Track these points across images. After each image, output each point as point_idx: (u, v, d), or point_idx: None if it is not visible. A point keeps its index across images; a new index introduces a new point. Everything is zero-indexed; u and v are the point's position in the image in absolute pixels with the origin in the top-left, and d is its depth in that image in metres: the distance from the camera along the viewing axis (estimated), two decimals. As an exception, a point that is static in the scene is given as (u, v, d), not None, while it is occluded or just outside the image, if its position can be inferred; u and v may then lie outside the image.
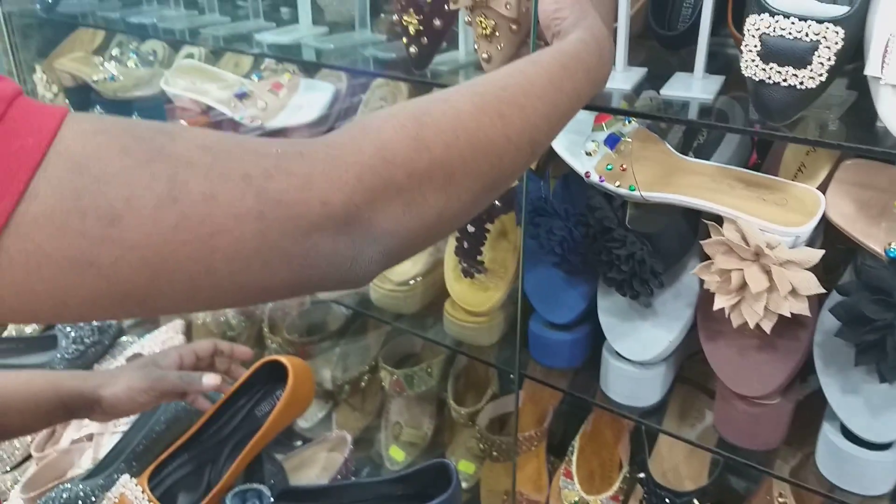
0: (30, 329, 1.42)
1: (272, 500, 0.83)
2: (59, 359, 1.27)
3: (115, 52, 1.46)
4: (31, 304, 0.31)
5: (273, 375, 0.95)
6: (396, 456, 1.21)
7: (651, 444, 0.98)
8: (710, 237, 0.71)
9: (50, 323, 0.64)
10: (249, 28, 1.20)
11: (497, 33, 0.70)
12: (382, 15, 1.15)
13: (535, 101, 0.48)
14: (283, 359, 0.91)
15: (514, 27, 0.69)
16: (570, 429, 1.08)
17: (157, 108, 1.39)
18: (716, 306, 0.70)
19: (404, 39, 0.88)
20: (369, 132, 0.41)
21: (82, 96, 1.50)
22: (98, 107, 1.46)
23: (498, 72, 0.50)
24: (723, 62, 0.89)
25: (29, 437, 1.13)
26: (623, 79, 0.83)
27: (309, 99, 1.17)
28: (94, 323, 1.35)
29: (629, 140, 0.78)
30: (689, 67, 0.83)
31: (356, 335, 1.30)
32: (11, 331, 1.41)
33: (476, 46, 0.76)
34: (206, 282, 0.34)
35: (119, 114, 1.42)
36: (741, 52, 0.87)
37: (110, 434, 1.05)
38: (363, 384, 1.26)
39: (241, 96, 1.18)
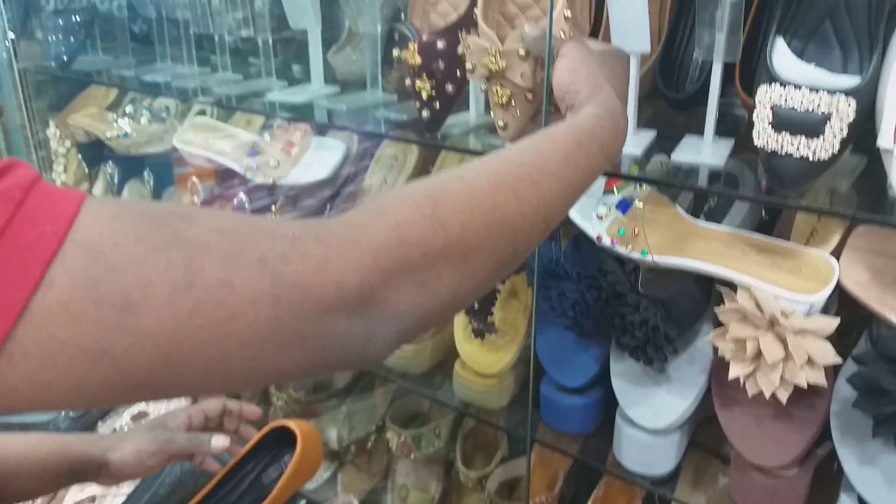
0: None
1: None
2: (63, 416, 1.26)
3: (128, 109, 1.48)
4: (44, 393, 0.31)
5: (281, 440, 0.93)
6: (402, 519, 1.19)
7: (664, 510, 0.96)
8: (724, 303, 0.71)
9: (64, 410, 0.65)
10: (262, 86, 1.21)
11: (513, 102, 0.70)
12: (393, 70, 1.16)
13: (550, 177, 0.48)
14: (293, 424, 0.90)
15: (529, 96, 0.70)
16: (581, 493, 1.06)
17: (169, 163, 1.40)
18: (731, 376, 0.69)
19: (417, 104, 0.89)
20: (385, 212, 0.41)
21: (95, 152, 1.52)
22: (110, 162, 1.48)
23: (513, 148, 0.51)
24: (730, 123, 0.89)
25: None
26: (633, 142, 0.83)
27: (320, 157, 1.18)
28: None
29: (641, 204, 0.78)
30: (697, 128, 0.84)
31: (363, 394, 1.28)
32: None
33: (493, 114, 0.76)
34: (219, 367, 0.34)
35: (131, 168, 1.44)
36: (749, 114, 0.88)
37: (113, 497, 1.04)
38: (370, 444, 1.24)
39: (254, 155, 1.19)
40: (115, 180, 1.47)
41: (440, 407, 1.21)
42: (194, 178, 1.31)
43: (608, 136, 0.56)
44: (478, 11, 0.73)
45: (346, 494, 1.08)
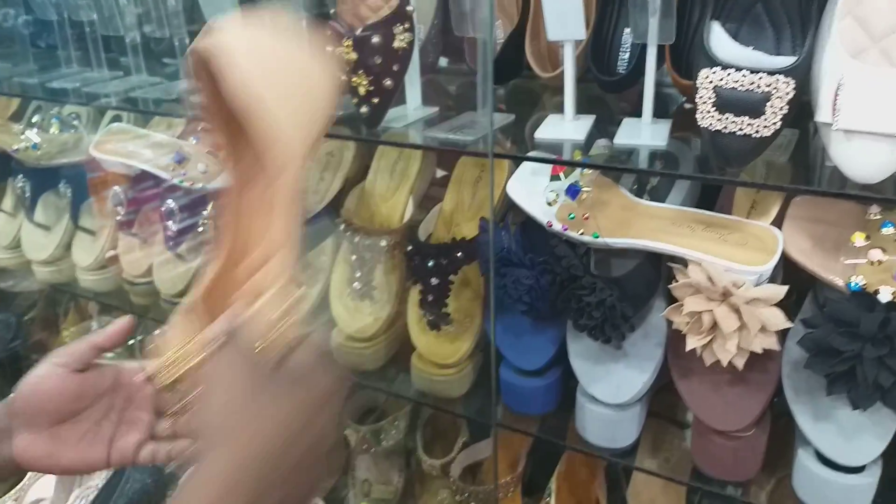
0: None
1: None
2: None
3: (34, 118, 1.40)
4: None
5: None
6: (367, 513, 1.19)
7: (627, 478, 1.00)
8: (676, 279, 0.73)
9: None
10: (181, 88, 1.17)
11: None
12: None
13: None
14: None
15: None
16: (544, 469, 1.09)
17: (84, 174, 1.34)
18: (688, 347, 0.72)
19: (354, 100, 0.88)
20: None
21: (1, 166, 1.43)
22: (20, 175, 1.39)
23: None
24: (661, 103, 0.92)
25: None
26: (574, 128, 0.85)
27: (251, 158, 1.15)
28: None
29: (588, 189, 0.80)
30: (630, 110, 0.86)
31: (315, 392, 1.27)
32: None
33: None
34: None
35: (45, 182, 1.36)
36: (682, 93, 0.91)
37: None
38: (326, 442, 1.23)
39: (180, 161, 1.15)
40: (27, 194, 1.38)
41: (396, 399, 1.21)
42: (116, 188, 1.26)
43: None
44: None
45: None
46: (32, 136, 1.35)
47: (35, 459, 0.58)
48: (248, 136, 0.52)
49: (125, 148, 1.22)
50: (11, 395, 0.60)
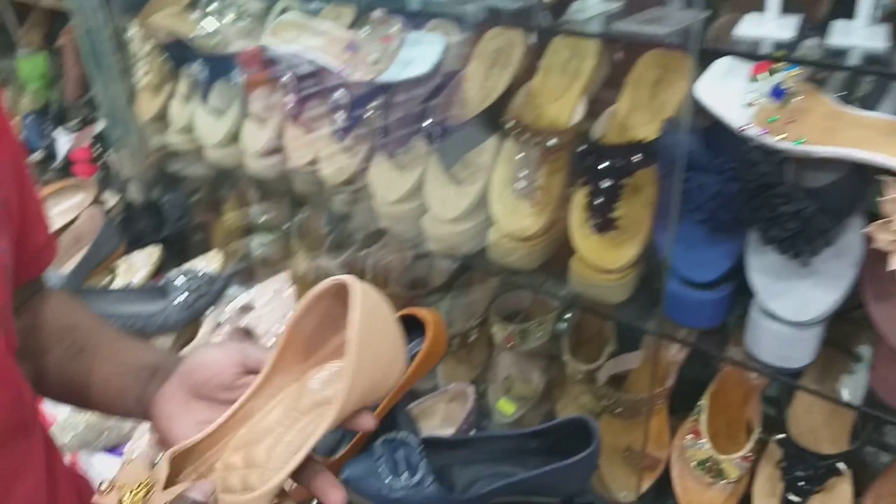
0: (137, 279, 1.46)
1: (419, 448, 0.83)
2: (171, 308, 1.30)
3: (211, 7, 1.44)
4: None
5: (406, 326, 0.94)
6: (506, 409, 1.22)
7: (785, 405, 0.97)
8: (884, 194, 0.68)
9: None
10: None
11: None
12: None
13: None
14: (419, 311, 0.90)
15: None
16: (690, 390, 1.07)
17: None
18: (892, 266, 0.67)
19: (542, -12, 0.85)
20: None
21: (178, 52, 1.49)
22: (196, 62, 1.45)
23: None
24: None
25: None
26: (777, 27, 0.79)
27: (419, 52, 1.15)
28: (202, 272, 1.38)
29: (795, 91, 0.75)
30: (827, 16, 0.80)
31: (463, 289, 1.29)
32: (122, 280, 1.46)
33: None
34: None
35: (219, 69, 1.42)
36: None
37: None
38: (471, 338, 1.26)
39: (352, 50, 1.16)
40: (202, 81, 1.45)
41: (541, 303, 1.22)
42: (286, 78, 1.28)
43: None
44: None
45: (461, 384, 1.10)
46: (209, 24, 1.40)
47: (163, 412, 0.61)
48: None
49: (297, 38, 1.24)
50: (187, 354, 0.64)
